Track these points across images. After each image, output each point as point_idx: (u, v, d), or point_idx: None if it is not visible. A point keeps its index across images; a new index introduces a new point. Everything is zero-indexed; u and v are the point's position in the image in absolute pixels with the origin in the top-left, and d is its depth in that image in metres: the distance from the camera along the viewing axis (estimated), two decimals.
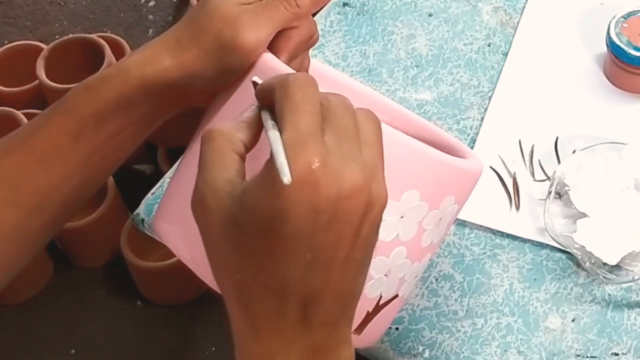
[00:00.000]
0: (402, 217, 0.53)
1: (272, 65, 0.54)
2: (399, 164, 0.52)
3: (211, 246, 0.43)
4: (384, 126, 0.52)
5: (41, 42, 1.76)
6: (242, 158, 0.43)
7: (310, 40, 0.57)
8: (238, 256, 0.41)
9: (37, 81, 1.63)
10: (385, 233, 0.53)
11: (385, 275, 0.54)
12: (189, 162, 0.57)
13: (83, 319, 1.52)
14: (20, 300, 1.54)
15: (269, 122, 0.43)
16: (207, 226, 0.42)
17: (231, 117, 0.52)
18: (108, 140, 0.57)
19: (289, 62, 0.56)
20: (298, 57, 0.58)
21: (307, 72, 0.60)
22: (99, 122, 0.56)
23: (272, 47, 0.55)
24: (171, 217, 0.57)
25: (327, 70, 0.67)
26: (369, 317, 0.56)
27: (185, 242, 0.55)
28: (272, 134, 0.41)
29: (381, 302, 0.55)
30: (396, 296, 0.56)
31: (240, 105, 0.53)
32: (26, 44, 1.77)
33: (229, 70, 0.54)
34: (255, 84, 0.48)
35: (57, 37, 1.84)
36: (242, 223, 0.41)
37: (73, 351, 1.48)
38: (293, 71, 0.54)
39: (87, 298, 1.55)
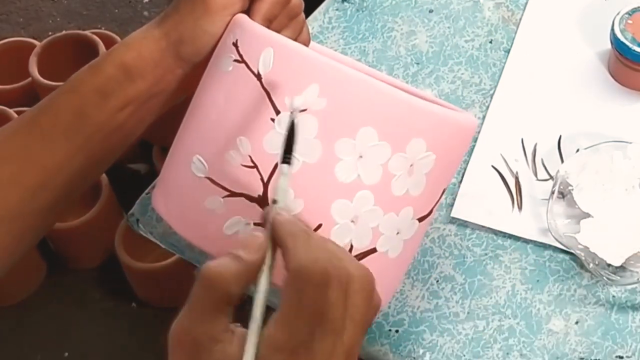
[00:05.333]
0: (360, 156, 0.52)
1: (240, 22, 0.56)
2: (351, 99, 0.52)
3: None
4: (335, 64, 0.53)
5: (34, 38, 1.75)
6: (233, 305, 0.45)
7: (290, 5, 0.60)
8: None
9: (29, 78, 1.62)
10: (344, 174, 0.52)
11: (352, 221, 0.53)
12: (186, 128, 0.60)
13: (77, 321, 1.51)
14: (13, 302, 1.53)
15: (257, 312, 0.44)
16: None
17: (212, 76, 0.56)
18: (110, 117, 0.59)
19: (267, 25, 0.58)
20: (287, 28, 0.60)
21: (306, 44, 0.62)
22: (101, 97, 0.59)
23: (248, 11, 0.59)
24: (164, 185, 0.59)
25: (328, 51, 0.68)
26: None
27: (175, 214, 0.57)
28: (250, 333, 0.43)
29: (354, 253, 0.54)
30: (373, 250, 0.55)
31: (219, 64, 0.56)
32: (19, 40, 1.76)
33: (204, 31, 0.58)
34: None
35: (50, 33, 1.83)
36: None
37: (66, 354, 1.47)
38: (265, 29, 0.55)
39: (81, 300, 1.54)
